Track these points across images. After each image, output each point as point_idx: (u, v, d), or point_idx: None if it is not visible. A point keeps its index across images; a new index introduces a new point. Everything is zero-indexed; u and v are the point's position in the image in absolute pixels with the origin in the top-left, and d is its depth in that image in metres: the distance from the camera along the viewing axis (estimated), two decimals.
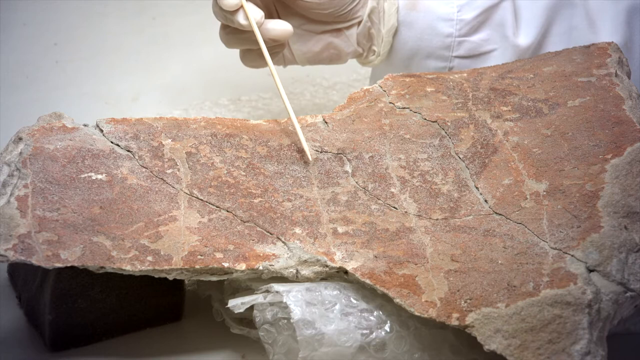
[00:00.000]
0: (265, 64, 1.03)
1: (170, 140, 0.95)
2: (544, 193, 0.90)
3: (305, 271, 0.86)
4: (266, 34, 1.02)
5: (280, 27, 1.02)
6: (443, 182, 0.93)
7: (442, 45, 1.09)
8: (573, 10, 1.09)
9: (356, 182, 0.94)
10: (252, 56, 1.07)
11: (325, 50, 1.09)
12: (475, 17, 1.08)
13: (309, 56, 1.10)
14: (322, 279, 0.87)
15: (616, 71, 1.01)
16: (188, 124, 0.97)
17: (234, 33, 1.05)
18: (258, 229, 0.89)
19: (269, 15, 1.06)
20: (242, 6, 1.01)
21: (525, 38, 1.09)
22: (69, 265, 0.83)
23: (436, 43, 1.09)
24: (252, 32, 1.01)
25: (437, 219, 0.90)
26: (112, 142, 0.94)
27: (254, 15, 1.00)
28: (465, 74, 1.04)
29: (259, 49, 1.00)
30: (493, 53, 1.09)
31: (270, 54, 1.01)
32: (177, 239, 0.87)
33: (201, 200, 0.91)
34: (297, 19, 1.07)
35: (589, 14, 1.08)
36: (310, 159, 0.94)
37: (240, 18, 1.01)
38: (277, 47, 1.05)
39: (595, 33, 1.07)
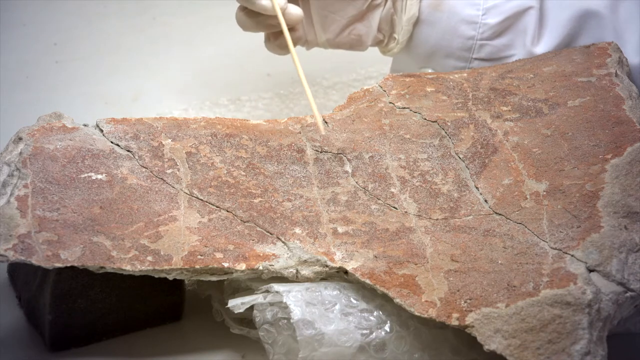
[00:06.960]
0: (288, 51, 1.03)
1: (170, 140, 0.95)
2: (544, 193, 0.90)
3: (305, 271, 0.86)
4: (285, 19, 1.00)
5: (297, 12, 1.01)
6: (443, 182, 0.93)
7: (462, 47, 1.08)
8: (600, 21, 1.07)
9: (356, 182, 0.93)
10: (275, 43, 1.06)
11: (347, 34, 1.09)
12: (500, 23, 1.07)
13: (330, 38, 1.10)
14: (322, 279, 0.87)
15: (616, 71, 1.00)
16: (188, 124, 0.97)
17: (252, 16, 1.04)
18: (258, 229, 0.89)
19: None
20: None
21: (544, 46, 1.08)
22: (69, 265, 0.83)
23: (457, 44, 1.09)
24: (269, 16, 1.01)
25: (437, 219, 0.90)
26: (112, 142, 0.94)
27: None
28: (465, 74, 1.04)
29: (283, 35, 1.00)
30: (512, 58, 1.08)
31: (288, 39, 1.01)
32: (177, 239, 0.87)
33: (201, 200, 0.91)
34: (320, 1, 1.07)
35: (616, 28, 1.07)
36: (323, 132, 0.95)
37: (263, 0, 1.00)
38: (291, 31, 1.04)
39: (623, 46, 1.06)
